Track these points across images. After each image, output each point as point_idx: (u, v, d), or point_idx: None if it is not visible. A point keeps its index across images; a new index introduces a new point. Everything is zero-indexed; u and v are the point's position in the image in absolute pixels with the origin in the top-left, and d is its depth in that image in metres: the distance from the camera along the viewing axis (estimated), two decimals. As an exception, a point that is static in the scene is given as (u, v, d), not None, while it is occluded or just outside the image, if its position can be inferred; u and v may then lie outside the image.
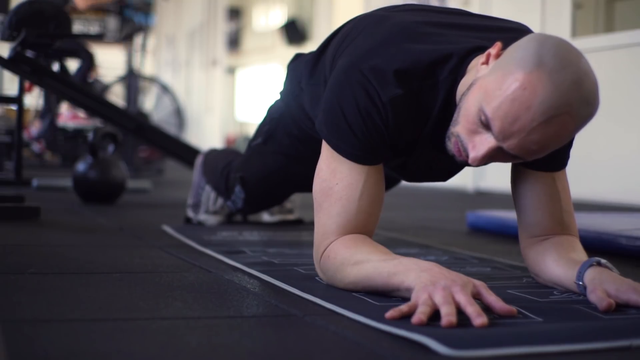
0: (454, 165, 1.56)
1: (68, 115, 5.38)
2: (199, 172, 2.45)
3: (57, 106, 5.45)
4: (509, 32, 1.39)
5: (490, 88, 1.20)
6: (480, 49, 1.34)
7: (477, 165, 1.27)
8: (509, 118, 1.17)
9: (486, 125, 1.22)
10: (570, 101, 1.15)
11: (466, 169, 1.86)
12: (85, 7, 5.51)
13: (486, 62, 1.27)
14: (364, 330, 1.07)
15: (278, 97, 1.96)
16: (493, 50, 1.27)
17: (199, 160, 2.48)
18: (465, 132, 1.26)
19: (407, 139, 1.41)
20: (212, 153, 2.47)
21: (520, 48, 1.21)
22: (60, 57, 4.78)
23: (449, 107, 1.35)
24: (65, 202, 3.11)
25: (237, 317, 1.17)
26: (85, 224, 2.46)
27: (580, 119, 1.18)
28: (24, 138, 5.48)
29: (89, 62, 5.23)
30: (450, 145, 1.30)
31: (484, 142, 1.23)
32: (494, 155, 1.24)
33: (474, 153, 1.24)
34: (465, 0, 5.25)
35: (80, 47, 5.24)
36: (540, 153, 1.22)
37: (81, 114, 5.34)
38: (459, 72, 1.33)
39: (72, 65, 5.41)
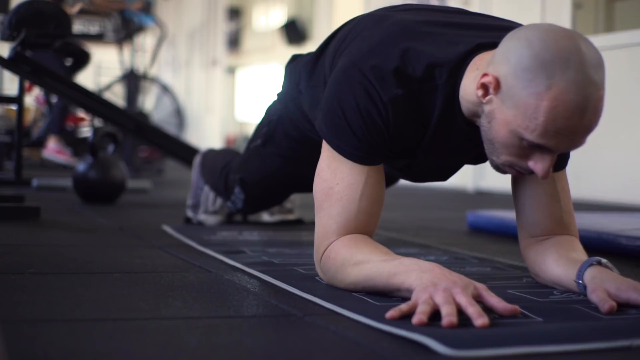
0: (456, 165, 1.56)
1: (53, 149, 5.27)
2: (197, 172, 2.45)
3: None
4: (509, 31, 1.39)
5: (519, 122, 1.20)
6: (481, 47, 1.33)
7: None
8: (562, 134, 1.19)
9: (537, 147, 1.23)
10: (593, 82, 1.17)
11: (466, 169, 1.86)
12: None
13: (484, 95, 1.26)
14: (364, 330, 1.07)
15: (276, 98, 1.96)
16: (486, 80, 1.24)
17: (196, 161, 2.48)
18: (517, 157, 1.27)
19: (408, 141, 1.41)
20: (210, 153, 2.47)
21: (520, 69, 1.19)
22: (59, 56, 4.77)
23: (451, 111, 1.35)
24: (65, 202, 3.11)
25: (237, 317, 1.17)
26: (85, 224, 2.46)
27: (603, 83, 1.20)
28: (32, 136, 5.46)
29: (80, 61, 5.17)
30: (509, 171, 1.32)
31: (544, 158, 1.25)
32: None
33: (539, 168, 1.25)
34: (466, 0, 5.25)
35: (75, 47, 5.20)
36: (596, 124, 1.22)
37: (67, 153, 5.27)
38: (458, 74, 1.33)
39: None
